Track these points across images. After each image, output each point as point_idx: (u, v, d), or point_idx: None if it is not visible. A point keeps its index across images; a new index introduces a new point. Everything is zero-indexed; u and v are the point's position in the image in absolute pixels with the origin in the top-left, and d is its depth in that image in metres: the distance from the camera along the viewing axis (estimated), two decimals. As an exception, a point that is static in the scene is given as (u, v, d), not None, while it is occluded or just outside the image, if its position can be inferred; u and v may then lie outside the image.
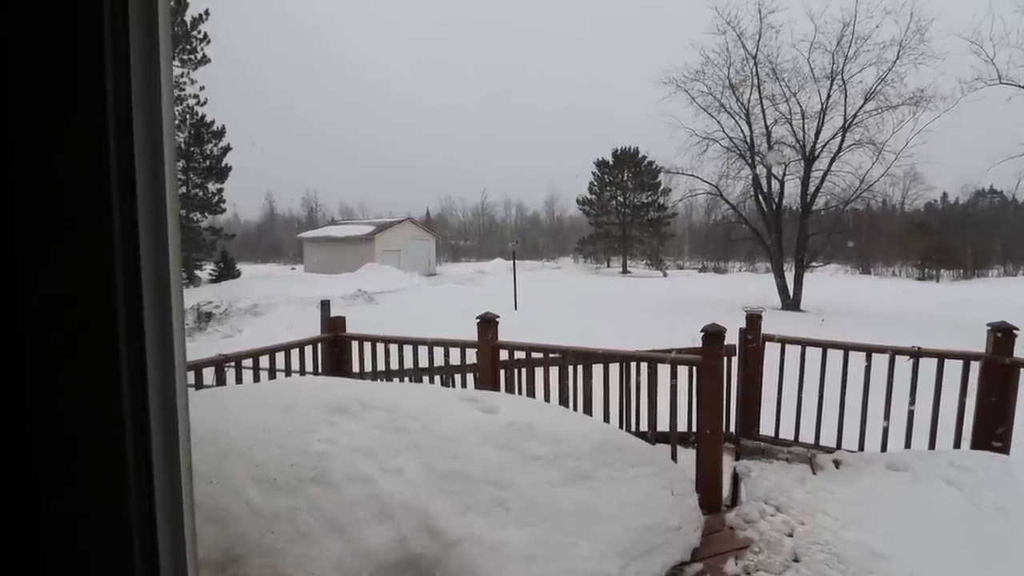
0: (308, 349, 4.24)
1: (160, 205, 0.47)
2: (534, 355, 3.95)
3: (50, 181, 0.45)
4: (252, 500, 1.93)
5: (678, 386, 3.42)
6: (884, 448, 3.61)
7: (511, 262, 22.96)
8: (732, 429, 4.14)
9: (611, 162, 42.54)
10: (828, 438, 3.84)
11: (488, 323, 3.99)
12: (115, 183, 0.45)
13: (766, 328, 4.16)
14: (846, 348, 3.77)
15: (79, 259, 0.45)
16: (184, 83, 26.62)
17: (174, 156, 0.52)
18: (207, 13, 26.27)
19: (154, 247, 0.47)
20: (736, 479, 3.51)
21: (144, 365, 0.46)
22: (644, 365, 3.52)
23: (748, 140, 19.80)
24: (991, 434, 3.36)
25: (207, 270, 28.10)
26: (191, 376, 3.31)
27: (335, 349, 4.40)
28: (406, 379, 4.28)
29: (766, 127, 19.55)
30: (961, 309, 16.46)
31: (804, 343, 3.99)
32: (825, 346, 3.87)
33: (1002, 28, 20.08)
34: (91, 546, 0.47)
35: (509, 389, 4.00)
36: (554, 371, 3.83)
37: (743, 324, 4.15)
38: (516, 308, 17.41)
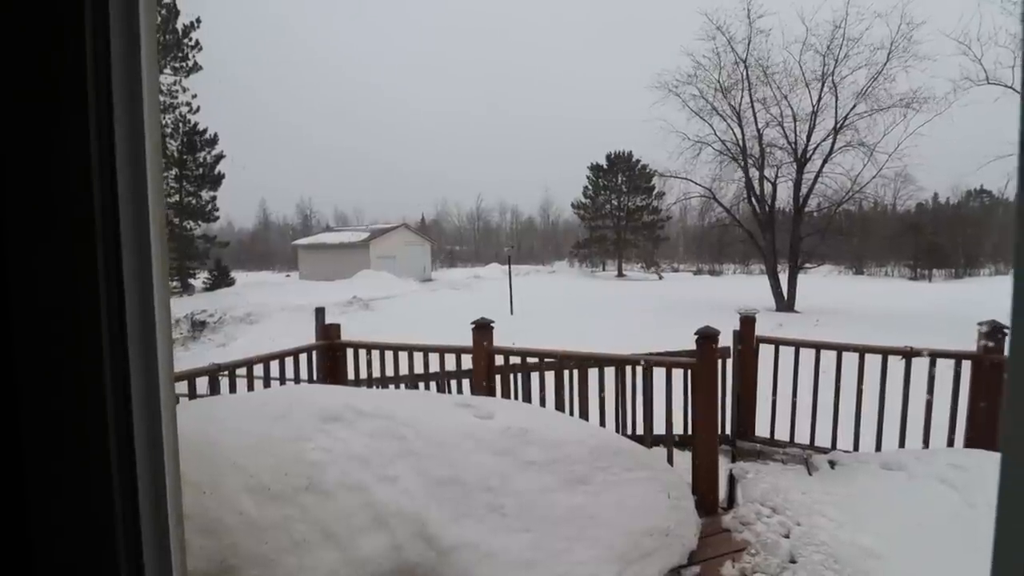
0: (303, 357, 4.22)
1: (143, 211, 0.47)
2: (529, 360, 3.94)
3: (32, 190, 0.45)
4: (245, 510, 1.92)
5: (673, 389, 3.42)
6: (879, 448, 3.63)
7: (507, 267, 22.97)
8: (727, 431, 4.14)
9: (605, 166, 42.71)
10: (823, 439, 3.85)
11: (483, 328, 3.99)
12: (97, 187, 0.45)
13: (761, 330, 4.17)
14: (839, 349, 3.79)
15: (62, 270, 0.45)
16: (176, 91, 26.56)
17: (159, 159, 0.52)
18: (199, 21, 26.27)
19: (137, 257, 0.47)
20: (732, 481, 3.51)
21: (127, 378, 0.46)
22: (639, 368, 3.52)
23: (740, 143, 19.97)
24: (984, 432, 3.38)
25: (201, 278, 27.95)
26: (184, 386, 3.29)
27: (330, 356, 4.38)
28: (401, 386, 4.27)
29: (758, 130, 19.74)
30: (953, 308, 16.57)
31: (798, 344, 4.01)
32: (818, 347, 3.89)
33: (990, 28, 20.31)
34: (77, 556, 0.46)
35: (505, 394, 3.99)
36: (549, 376, 3.83)
37: (738, 326, 4.16)
38: (512, 313, 17.43)
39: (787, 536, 2.84)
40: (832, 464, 3.50)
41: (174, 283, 26.77)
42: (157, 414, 0.48)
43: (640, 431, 3.56)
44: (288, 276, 37.24)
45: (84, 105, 0.45)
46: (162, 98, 25.93)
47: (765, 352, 4.12)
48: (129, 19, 0.48)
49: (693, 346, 3.41)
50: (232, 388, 3.64)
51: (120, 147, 0.47)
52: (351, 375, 4.35)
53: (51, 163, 0.45)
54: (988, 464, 3.03)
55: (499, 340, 4.07)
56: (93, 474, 0.45)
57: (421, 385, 4.31)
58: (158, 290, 0.49)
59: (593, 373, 3.71)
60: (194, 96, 26.99)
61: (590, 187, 43.50)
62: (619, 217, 42.34)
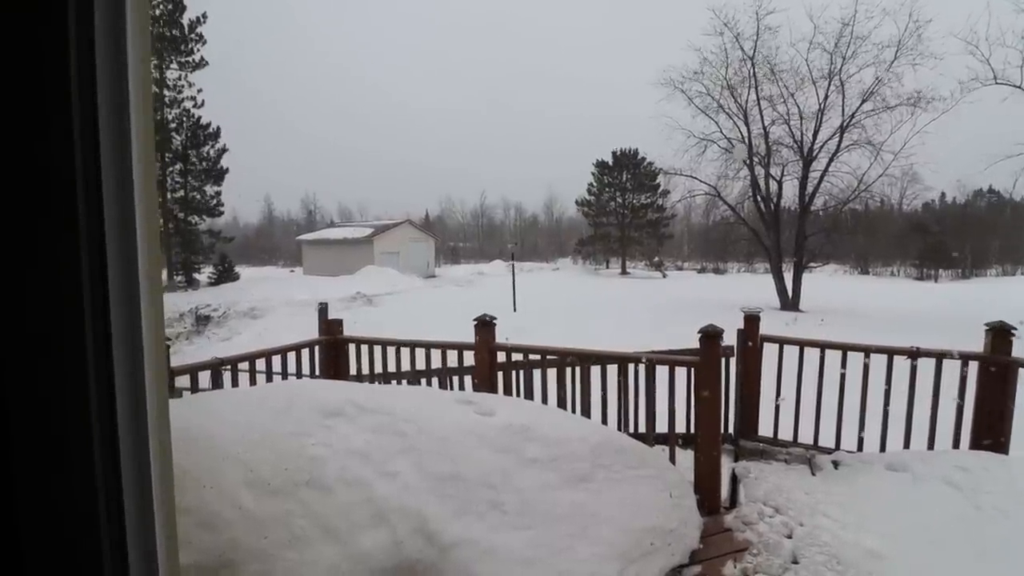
0: (305, 352, 4.23)
1: (128, 210, 0.46)
2: (532, 357, 3.93)
3: (15, 190, 0.44)
4: (245, 505, 1.92)
5: (676, 387, 3.40)
6: (883, 448, 3.60)
7: (510, 264, 22.95)
8: (731, 430, 4.12)
9: (610, 163, 42.56)
10: (827, 439, 3.82)
11: (486, 325, 3.97)
12: (80, 187, 0.44)
13: (765, 329, 4.14)
14: (844, 348, 3.76)
15: (45, 271, 0.44)
16: (182, 85, 26.61)
17: (151, 158, 0.50)
18: (204, 16, 26.30)
19: (122, 257, 0.46)
20: (735, 480, 3.49)
21: (112, 377, 0.45)
22: (642, 366, 3.50)
23: (746, 141, 19.83)
24: (990, 434, 3.36)
25: (206, 273, 28.07)
26: (186, 380, 3.29)
27: (332, 352, 4.38)
28: (403, 382, 4.26)
29: (764, 128, 19.59)
30: (959, 309, 16.47)
31: (802, 343, 3.98)
32: (823, 347, 3.86)
33: (998, 29, 20.04)
34: (62, 551, 0.46)
35: (507, 391, 3.98)
36: (552, 373, 3.81)
37: (741, 325, 4.14)
38: (515, 310, 17.41)
39: (790, 536, 2.83)
40: (836, 464, 3.48)
41: (179, 278, 26.90)
42: (143, 413, 0.47)
43: (642, 429, 3.54)
44: (292, 271, 37.36)
45: (68, 105, 0.44)
46: (167, 93, 25.98)
47: (769, 351, 4.09)
48: (116, 18, 0.47)
49: (696, 344, 3.38)
50: (235, 382, 3.65)
51: (105, 146, 0.46)
52: (353, 370, 4.35)
53: (35, 163, 0.44)
54: (994, 466, 3.00)
55: (502, 337, 4.06)
56: (76, 471, 0.45)
57: (423, 381, 4.30)
58: (147, 289, 0.48)
59: (595, 370, 3.69)
60: (199, 91, 27.06)
61: (595, 184, 43.35)
62: (623, 215, 42.20)
